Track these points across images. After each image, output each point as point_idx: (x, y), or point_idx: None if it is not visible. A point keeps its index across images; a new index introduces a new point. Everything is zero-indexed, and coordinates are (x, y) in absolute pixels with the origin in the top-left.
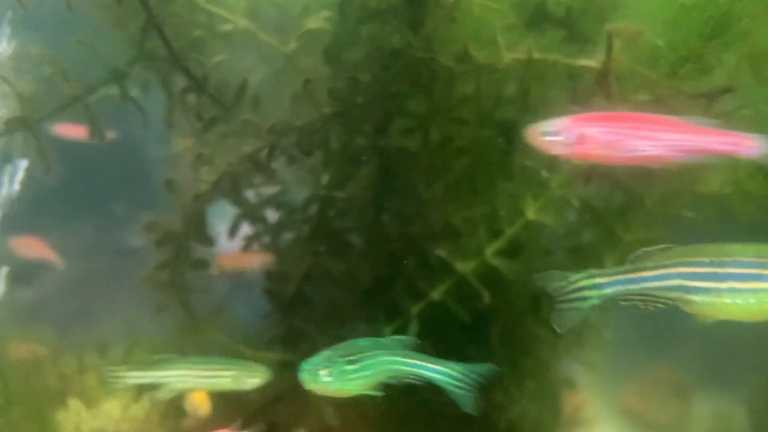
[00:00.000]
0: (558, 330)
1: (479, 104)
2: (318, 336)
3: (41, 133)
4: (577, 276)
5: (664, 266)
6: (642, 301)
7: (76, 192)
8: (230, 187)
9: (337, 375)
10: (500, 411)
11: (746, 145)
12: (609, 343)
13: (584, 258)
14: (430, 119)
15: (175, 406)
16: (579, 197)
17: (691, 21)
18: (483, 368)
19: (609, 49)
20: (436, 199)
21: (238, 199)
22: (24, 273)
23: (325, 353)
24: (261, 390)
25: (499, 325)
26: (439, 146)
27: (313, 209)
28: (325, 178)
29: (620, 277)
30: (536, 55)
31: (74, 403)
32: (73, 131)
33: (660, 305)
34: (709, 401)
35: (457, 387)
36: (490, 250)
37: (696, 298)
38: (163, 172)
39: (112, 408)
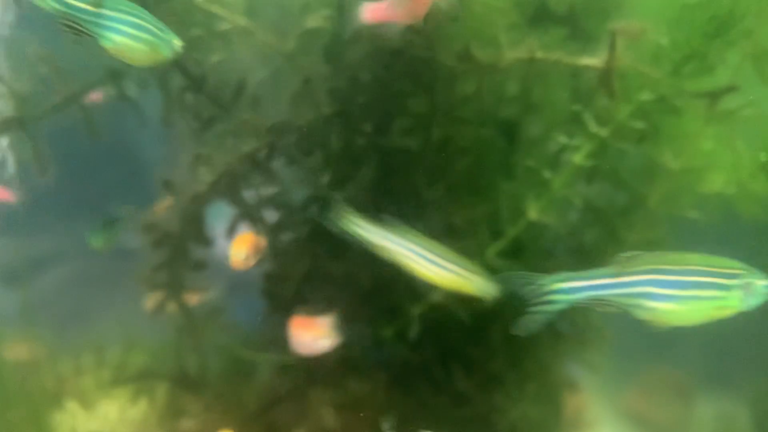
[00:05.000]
0: (518, 333)
1: (481, 104)
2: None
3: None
4: (549, 278)
5: (634, 273)
6: (598, 304)
7: (72, 192)
8: (229, 187)
9: None
10: (501, 413)
11: None
12: (611, 345)
13: (586, 258)
14: (431, 119)
15: (173, 408)
16: (581, 197)
17: (694, 19)
18: None
19: (612, 47)
20: (437, 200)
21: (236, 200)
22: (21, 273)
23: None
24: (260, 391)
25: (501, 327)
26: (440, 146)
27: (313, 209)
28: (325, 179)
29: (595, 282)
30: (538, 54)
31: (71, 405)
32: None
33: (608, 309)
34: (712, 403)
35: None
36: (491, 251)
37: (659, 304)
38: (161, 172)
39: (109, 410)
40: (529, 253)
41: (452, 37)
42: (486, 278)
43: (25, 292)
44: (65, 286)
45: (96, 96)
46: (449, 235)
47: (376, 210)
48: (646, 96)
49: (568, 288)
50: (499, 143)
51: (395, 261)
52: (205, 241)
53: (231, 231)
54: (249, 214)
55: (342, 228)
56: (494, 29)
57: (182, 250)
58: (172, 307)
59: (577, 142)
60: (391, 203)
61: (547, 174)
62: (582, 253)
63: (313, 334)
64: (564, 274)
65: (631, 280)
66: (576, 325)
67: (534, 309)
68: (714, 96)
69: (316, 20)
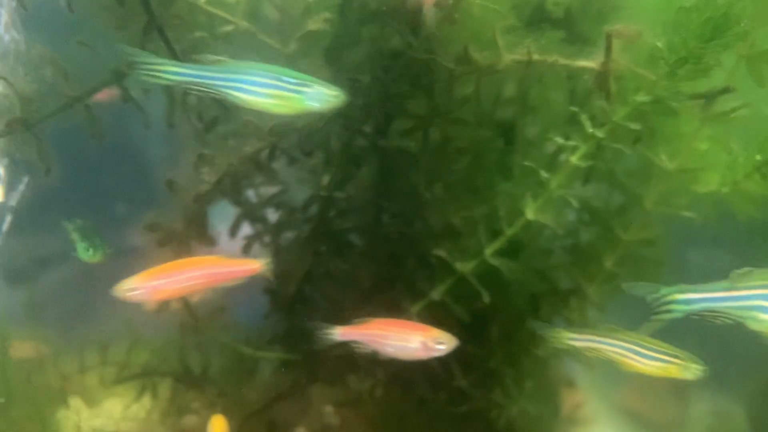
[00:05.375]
0: None
1: (479, 105)
2: (318, 336)
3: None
4: (668, 289)
5: (749, 287)
6: (711, 316)
7: (77, 192)
8: (231, 187)
9: None
10: (499, 410)
11: None
12: None
13: (583, 257)
14: (430, 120)
15: (176, 406)
16: (578, 197)
17: (690, 22)
18: None
19: (608, 50)
20: (436, 200)
21: (239, 200)
22: (25, 271)
23: None
24: (261, 389)
25: (499, 325)
26: (439, 147)
27: (314, 209)
28: (325, 179)
29: (710, 294)
30: (535, 56)
31: (75, 402)
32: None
33: (722, 321)
34: (707, 400)
35: None
36: (489, 250)
37: None
38: (165, 172)
39: (112, 407)
40: (526, 252)
41: (450, 39)
42: (692, 359)
43: (30, 290)
44: (69, 284)
45: (104, 95)
46: (448, 234)
47: (376, 210)
48: (642, 97)
49: (686, 299)
50: (497, 144)
51: (608, 359)
52: (208, 240)
53: (233, 230)
54: (251, 214)
55: (554, 344)
56: (492, 32)
57: (185, 249)
58: (175, 305)
59: (574, 142)
60: (391, 203)
61: (544, 174)
62: (579, 253)
63: (426, 338)
64: (682, 286)
65: (744, 294)
66: (573, 323)
67: (653, 317)
68: (709, 97)
69: (316, 22)
